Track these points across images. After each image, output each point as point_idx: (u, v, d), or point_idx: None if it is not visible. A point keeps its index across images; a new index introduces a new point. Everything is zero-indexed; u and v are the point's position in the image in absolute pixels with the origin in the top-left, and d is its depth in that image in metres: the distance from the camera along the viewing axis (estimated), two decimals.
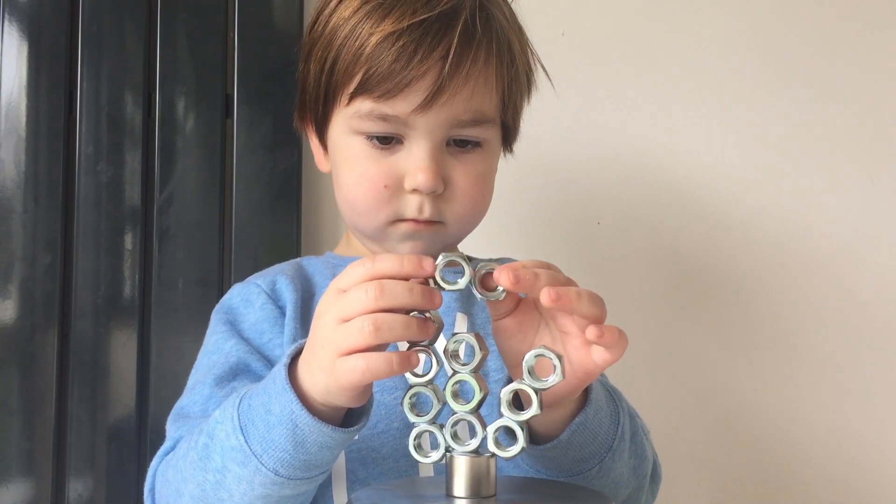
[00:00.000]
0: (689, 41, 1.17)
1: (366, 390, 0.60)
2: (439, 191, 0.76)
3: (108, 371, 1.05)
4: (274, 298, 0.79)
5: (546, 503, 0.61)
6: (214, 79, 1.09)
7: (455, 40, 0.72)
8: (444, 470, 0.59)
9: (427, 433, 0.59)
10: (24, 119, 1.05)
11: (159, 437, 1.04)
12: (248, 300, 0.80)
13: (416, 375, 0.59)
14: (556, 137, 1.07)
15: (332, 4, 0.77)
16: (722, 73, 1.17)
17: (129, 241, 1.06)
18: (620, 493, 0.71)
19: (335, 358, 0.58)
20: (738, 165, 1.16)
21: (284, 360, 0.62)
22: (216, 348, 0.78)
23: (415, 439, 0.60)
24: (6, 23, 1.05)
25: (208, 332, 0.81)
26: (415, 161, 0.75)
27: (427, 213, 0.76)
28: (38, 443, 1.03)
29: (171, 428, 0.75)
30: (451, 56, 0.72)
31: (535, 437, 0.66)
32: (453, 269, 0.59)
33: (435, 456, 0.59)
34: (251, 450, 0.61)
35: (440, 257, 0.59)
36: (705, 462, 1.13)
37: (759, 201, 1.16)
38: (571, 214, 1.16)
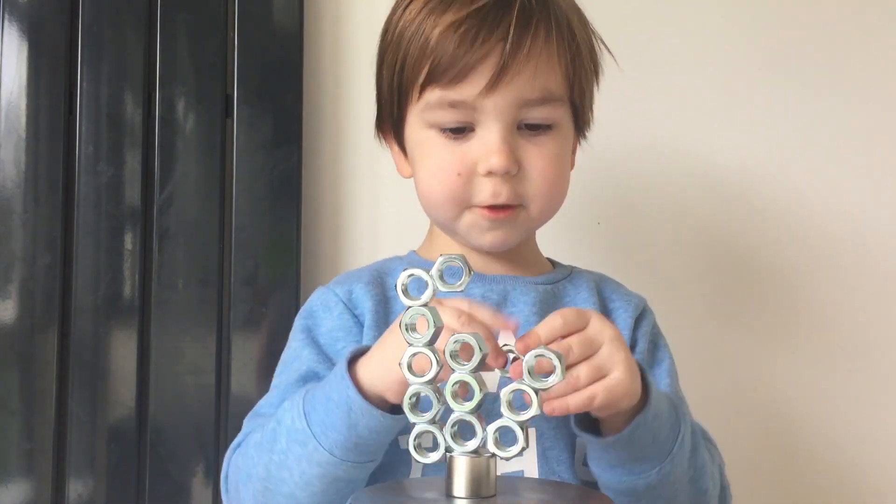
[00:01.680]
0: (691, 41, 1.17)
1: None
2: (513, 172, 0.77)
3: (108, 371, 1.05)
4: (351, 308, 0.81)
5: (546, 503, 0.61)
6: (214, 79, 1.09)
7: (514, 20, 0.75)
8: (444, 470, 0.59)
9: (427, 433, 0.59)
10: (24, 119, 1.05)
11: (159, 438, 1.04)
12: (328, 306, 0.82)
13: (416, 375, 0.59)
14: None
15: (399, 11, 0.81)
16: (723, 72, 1.17)
17: (129, 241, 1.06)
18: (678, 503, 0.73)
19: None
20: (739, 165, 1.16)
21: (346, 355, 0.69)
22: (295, 354, 0.81)
23: (415, 439, 0.60)
24: (6, 23, 1.05)
25: (291, 334, 0.84)
26: (487, 144, 0.76)
27: (504, 196, 0.77)
28: (38, 443, 1.03)
29: (246, 424, 0.79)
30: (510, 36, 0.74)
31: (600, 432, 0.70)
32: (453, 267, 0.59)
33: (435, 456, 0.59)
34: (311, 431, 0.67)
35: (440, 258, 0.59)
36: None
37: (760, 201, 1.16)
38: (571, 214, 1.16)
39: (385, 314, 0.80)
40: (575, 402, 0.64)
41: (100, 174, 1.06)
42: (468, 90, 0.75)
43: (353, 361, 0.69)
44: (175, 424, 1.05)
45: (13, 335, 1.03)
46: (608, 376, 0.65)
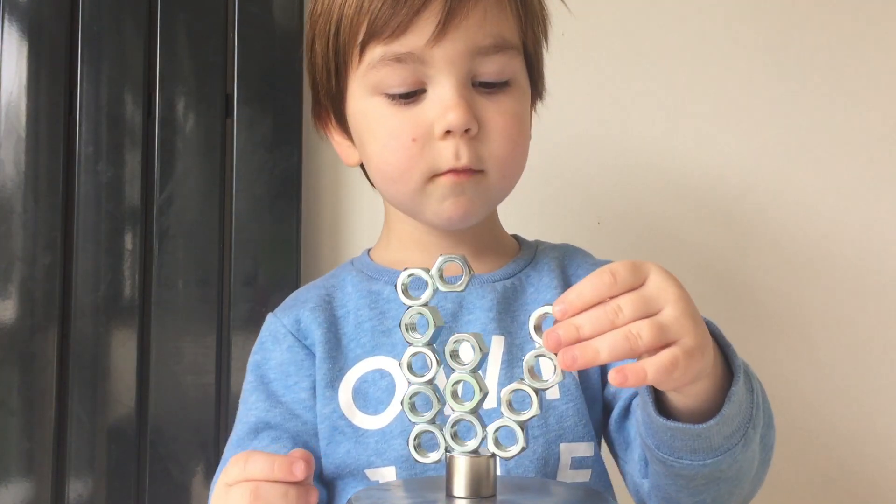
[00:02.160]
0: (690, 41, 1.17)
1: None
2: (473, 129, 0.70)
3: (108, 371, 1.05)
4: (300, 338, 0.77)
5: (546, 503, 0.61)
6: (214, 79, 1.09)
7: None
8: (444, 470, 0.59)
9: (427, 433, 0.59)
10: (24, 119, 1.05)
11: (159, 438, 1.04)
12: (276, 338, 0.78)
13: (416, 375, 0.59)
14: (556, 137, 1.06)
15: None
16: (723, 72, 1.17)
17: (129, 241, 1.06)
18: (752, 468, 0.66)
19: None
20: (739, 165, 1.16)
21: None
22: (244, 399, 0.78)
23: (414, 439, 0.60)
24: (6, 23, 1.05)
25: (247, 366, 0.80)
26: (441, 101, 0.70)
27: (465, 157, 0.70)
28: (38, 443, 1.03)
29: (224, 454, 0.77)
30: None
31: (681, 419, 0.61)
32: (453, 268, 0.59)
33: (435, 456, 0.59)
34: None
35: (439, 258, 0.59)
36: None
37: (761, 200, 1.16)
38: (571, 214, 1.16)
39: (336, 339, 0.76)
40: (655, 367, 0.53)
41: (100, 174, 1.06)
42: (414, 40, 0.68)
43: None
44: (175, 424, 1.05)
45: (13, 335, 1.03)
46: (678, 342, 0.54)
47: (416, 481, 0.68)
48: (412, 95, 0.71)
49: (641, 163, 1.16)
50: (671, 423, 0.60)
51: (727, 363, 0.62)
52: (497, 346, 0.75)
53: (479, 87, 0.72)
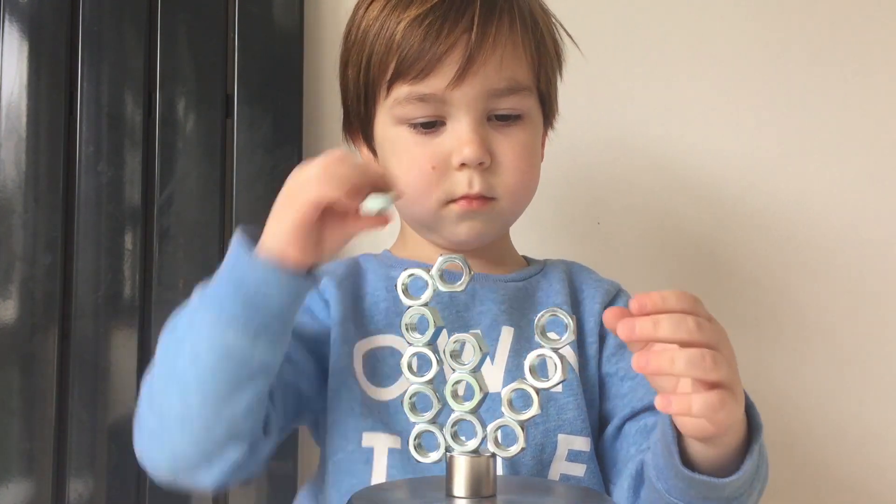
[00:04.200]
0: (690, 40, 1.17)
1: (310, 243, 0.64)
2: (486, 163, 0.77)
3: (108, 371, 1.05)
4: (321, 294, 0.80)
5: (546, 503, 0.61)
6: (214, 79, 1.09)
7: (477, 10, 0.75)
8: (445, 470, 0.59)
9: (427, 433, 0.59)
10: (24, 119, 1.05)
11: None
12: None
13: (416, 375, 0.59)
14: (555, 138, 1.06)
15: (361, 11, 0.81)
16: (723, 71, 1.17)
17: (129, 241, 1.06)
18: None
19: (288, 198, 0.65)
20: (739, 164, 1.16)
21: (242, 234, 0.67)
22: None
23: (415, 439, 0.60)
24: (6, 23, 1.05)
25: None
26: (458, 136, 0.76)
27: (477, 186, 0.76)
28: (38, 443, 1.03)
29: None
30: (475, 26, 0.75)
31: (697, 469, 0.63)
32: (453, 270, 0.59)
33: (435, 456, 0.59)
34: (201, 301, 0.67)
35: (440, 258, 0.59)
36: None
37: (761, 200, 1.16)
38: (571, 214, 1.16)
39: (354, 308, 0.79)
40: (703, 403, 0.56)
41: (100, 174, 1.06)
42: (436, 83, 0.75)
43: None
44: None
45: (13, 335, 1.03)
46: (729, 385, 0.57)
47: (416, 481, 0.68)
48: (433, 126, 0.78)
49: (641, 163, 1.16)
50: (695, 476, 0.62)
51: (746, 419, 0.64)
52: (507, 335, 0.79)
53: (493, 120, 0.78)
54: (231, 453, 0.66)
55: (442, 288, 0.59)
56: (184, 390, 0.65)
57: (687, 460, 0.63)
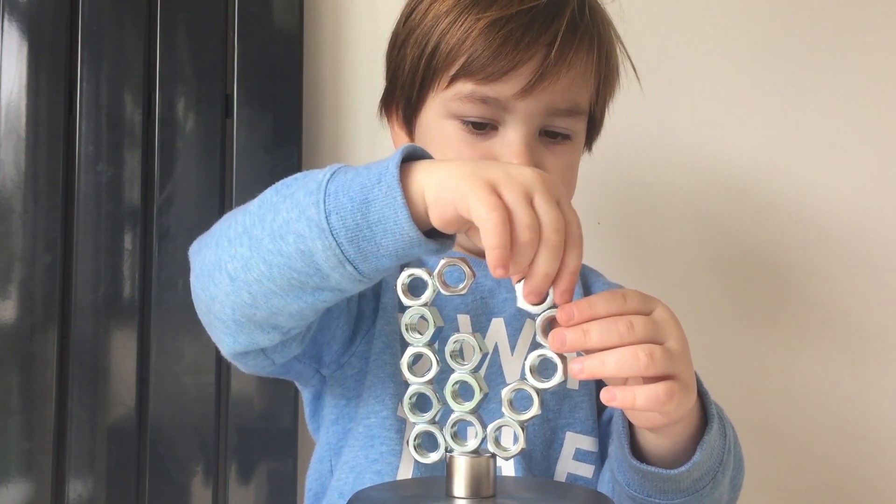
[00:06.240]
0: (692, 39, 1.17)
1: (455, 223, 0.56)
2: None
3: (108, 371, 1.05)
4: None
5: (545, 503, 0.61)
6: (214, 79, 1.09)
7: (563, 28, 0.74)
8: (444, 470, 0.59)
9: (427, 433, 0.59)
10: (24, 119, 1.05)
11: (159, 438, 1.04)
12: None
13: (416, 375, 0.59)
14: None
15: None
16: (724, 70, 1.17)
17: (129, 241, 1.06)
18: None
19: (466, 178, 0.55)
20: (740, 163, 1.16)
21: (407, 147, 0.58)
22: None
23: (415, 439, 0.60)
24: (6, 23, 1.05)
25: None
26: (510, 146, 0.75)
27: None
28: (38, 443, 1.03)
29: None
30: (557, 43, 0.73)
31: (651, 460, 0.64)
32: (455, 268, 0.59)
33: (435, 456, 0.59)
34: (325, 184, 0.57)
35: (441, 260, 0.59)
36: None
37: (761, 199, 1.16)
38: None
39: (377, 289, 0.77)
40: (647, 395, 0.56)
41: (100, 174, 1.06)
42: (503, 89, 0.74)
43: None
44: (175, 424, 1.05)
45: (13, 335, 1.03)
46: (676, 376, 0.57)
47: (416, 481, 0.68)
48: (484, 127, 0.76)
49: (641, 163, 1.16)
50: (644, 467, 0.63)
51: (702, 410, 0.65)
52: (529, 326, 0.78)
53: (543, 135, 0.77)
54: (260, 336, 0.64)
55: (443, 291, 0.58)
56: (253, 250, 0.60)
57: (643, 452, 0.63)
